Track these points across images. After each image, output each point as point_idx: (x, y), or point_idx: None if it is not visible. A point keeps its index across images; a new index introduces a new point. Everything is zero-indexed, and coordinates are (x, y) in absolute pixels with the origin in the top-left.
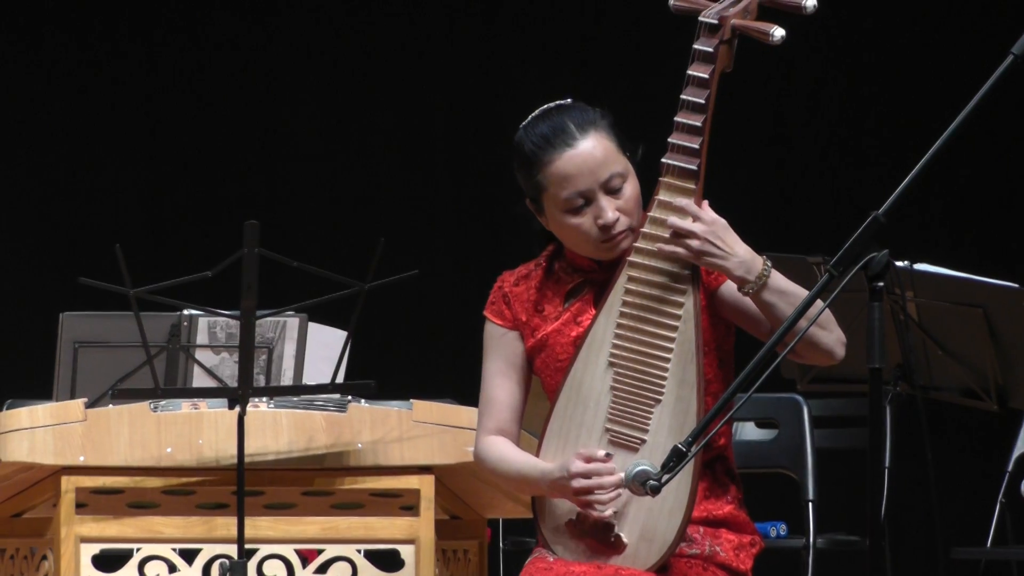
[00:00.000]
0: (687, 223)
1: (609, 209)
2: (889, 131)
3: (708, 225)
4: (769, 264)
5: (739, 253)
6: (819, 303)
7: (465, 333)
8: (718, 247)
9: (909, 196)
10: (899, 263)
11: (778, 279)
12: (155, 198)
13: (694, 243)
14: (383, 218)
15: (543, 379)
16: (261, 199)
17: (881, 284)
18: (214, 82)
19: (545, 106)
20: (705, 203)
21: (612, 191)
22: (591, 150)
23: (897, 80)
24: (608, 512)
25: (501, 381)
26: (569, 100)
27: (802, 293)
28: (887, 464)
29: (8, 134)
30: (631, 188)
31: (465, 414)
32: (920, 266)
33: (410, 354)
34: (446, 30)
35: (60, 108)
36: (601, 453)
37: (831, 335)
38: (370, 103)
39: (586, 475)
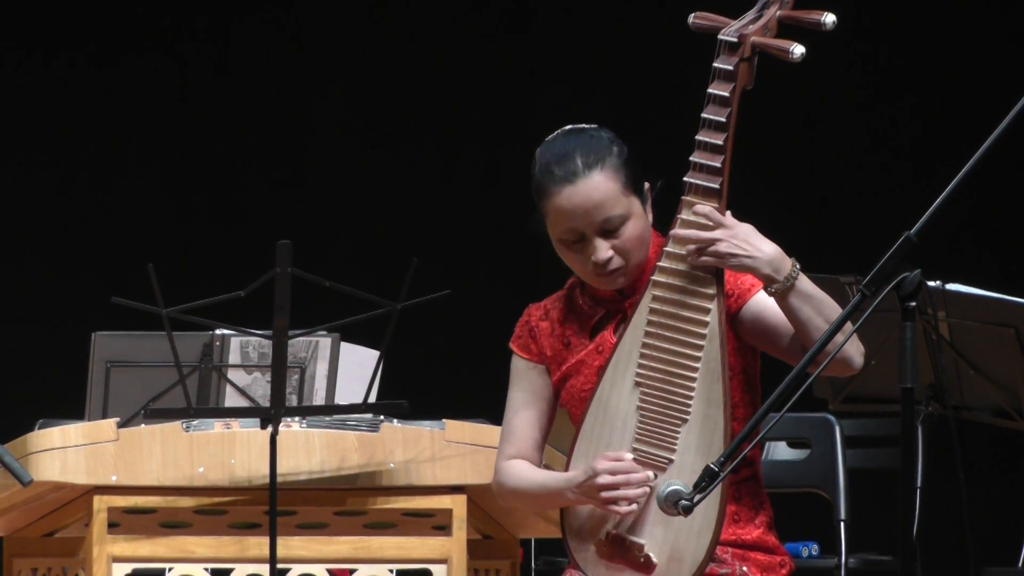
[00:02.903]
0: (709, 233)
1: (602, 249)
2: (922, 149)
3: (731, 228)
4: (798, 267)
5: (766, 251)
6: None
7: (498, 353)
8: (744, 248)
9: (942, 216)
10: (931, 283)
11: (806, 283)
12: (187, 217)
13: (720, 247)
14: (416, 237)
15: (569, 411)
16: (293, 218)
17: (913, 304)
18: (245, 99)
19: (566, 128)
20: (728, 213)
21: (608, 232)
22: (589, 192)
23: (930, 97)
24: (633, 507)
25: (525, 412)
26: (593, 126)
27: (828, 299)
28: (919, 484)
29: (37, 153)
30: (632, 227)
31: (497, 434)
32: (952, 286)
33: (442, 374)
34: (482, 45)
35: (89, 126)
36: (628, 456)
37: (851, 345)
38: (403, 121)
39: (612, 472)
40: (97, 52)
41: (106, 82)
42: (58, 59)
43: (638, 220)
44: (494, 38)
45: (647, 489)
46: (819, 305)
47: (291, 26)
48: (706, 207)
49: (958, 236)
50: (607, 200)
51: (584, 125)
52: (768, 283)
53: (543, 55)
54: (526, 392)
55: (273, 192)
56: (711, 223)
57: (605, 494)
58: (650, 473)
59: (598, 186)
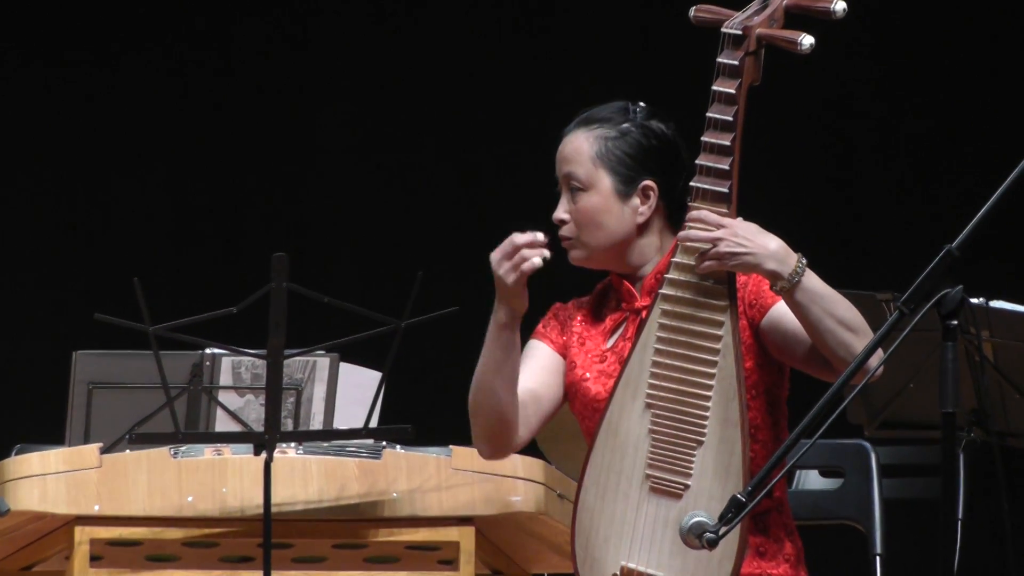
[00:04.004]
0: (708, 234)
1: (561, 207)
2: (963, 159)
3: (730, 227)
4: (804, 262)
5: (769, 247)
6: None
7: None
8: (744, 245)
9: (984, 228)
10: (974, 300)
11: (814, 280)
12: (177, 230)
13: (721, 247)
14: (421, 249)
15: (581, 420)
16: (290, 231)
17: (955, 323)
18: (242, 110)
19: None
20: (740, 219)
21: (571, 191)
22: (566, 144)
23: (971, 107)
24: (536, 261)
25: (529, 375)
26: (641, 104)
27: (841, 299)
28: (960, 515)
29: (21, 165)
30: (588, 201)
31: (508, 462)
32: (997, 303)
33: (449, 397)
34: (489, 47)
35: (77, 139)
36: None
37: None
38: (408, 131)
39: (499, 250)
40: (98, 53)
41: (106, 83)
42: (60, 59)
43: (600, 199)
44: (501, 40)
45: (539, 246)
46: (830, 305)
47: (292, 26)
48: (702, 211)
49: (1003, 249)
50: (574, 157)
51: (630, 103)
52: (774, 280)
53: (551, 57)
54: (536, 364)
55: (271, 199)
56: (710, 226)
57: (499, 263)
58: (540, 235)
59: (574, 141)
